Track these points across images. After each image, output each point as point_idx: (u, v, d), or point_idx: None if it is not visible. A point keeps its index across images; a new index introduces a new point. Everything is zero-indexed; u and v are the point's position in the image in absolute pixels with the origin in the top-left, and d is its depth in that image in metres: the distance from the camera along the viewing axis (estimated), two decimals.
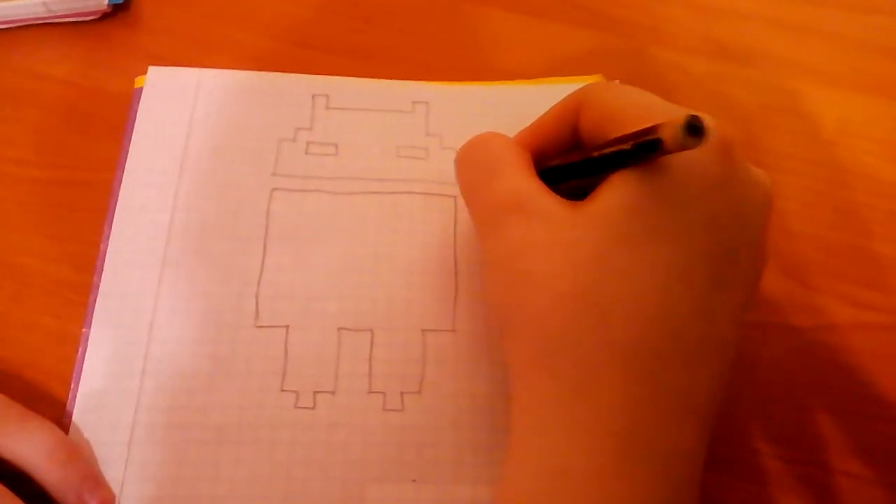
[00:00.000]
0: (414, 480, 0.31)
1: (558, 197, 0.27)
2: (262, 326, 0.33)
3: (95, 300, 0.34)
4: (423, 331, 0.34)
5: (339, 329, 0.33)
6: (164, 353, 0.33)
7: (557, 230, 0.26)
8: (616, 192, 0.25)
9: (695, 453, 0.25)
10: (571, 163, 0.28)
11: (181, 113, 0.38)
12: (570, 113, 0.30)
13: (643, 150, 0.24)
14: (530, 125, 0.32)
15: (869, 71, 0.42)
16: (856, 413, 0.33)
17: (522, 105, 0.39)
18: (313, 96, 0.39)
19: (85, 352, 0.33)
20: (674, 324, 0.25)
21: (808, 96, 0.41)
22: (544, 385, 0.25)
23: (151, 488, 0.30)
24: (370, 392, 0.32)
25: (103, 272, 0.34)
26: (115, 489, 0.30)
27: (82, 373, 0.32)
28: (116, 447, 0.31)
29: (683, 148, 0.22)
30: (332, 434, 0.31)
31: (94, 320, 0.33)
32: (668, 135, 0.22)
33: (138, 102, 0.38)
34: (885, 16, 0.44)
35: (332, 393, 0.32)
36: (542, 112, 0.36)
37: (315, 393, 0.32)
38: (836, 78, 0.42)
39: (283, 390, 0.32)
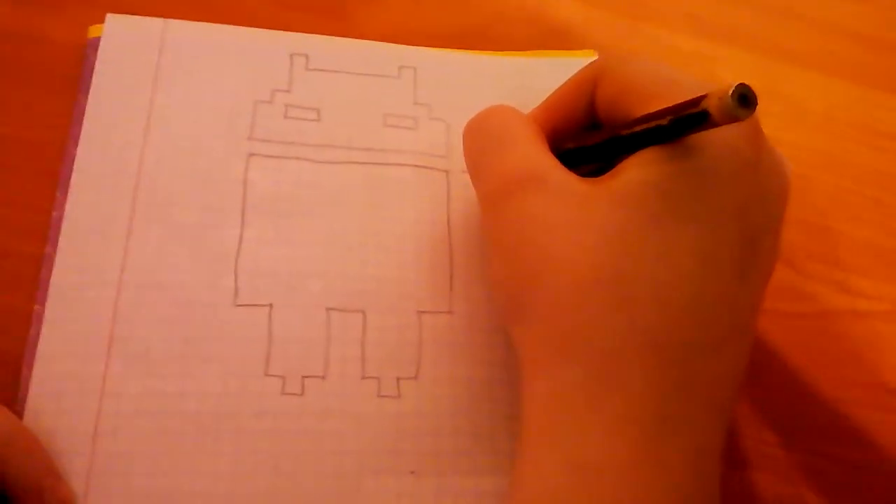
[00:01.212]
0: (413, 472, 0.29)
1: (574, 173, 0.25)
2: (242, 305, 0.30)
3: (50, 273, 0.30)
4: (419, 312, 0.31)
5: (328, 309, 0.31)
6: (132, 333, 0.29)
7: (578, 207, 0.24)
8: (644, 169, 0.24)
9: (717, 444, 0.24)
10: (596, 143, 0.26)
11: (144, 67, 0.34)
12: (586, 88, 0.28)
13: (685, 126, 0.22)
14: (542, 103, 0.30)
15: (846, 57, 0.42)
16: (850, 400, 0.33)
17: (513, 77, 0.37)
18: (291, 55, 0.36)
19: (39, 331, 0.29)
20: (702, 312, 0.23)
21: (791, 80, 0.41)
22: (566, 374, 0.24)
23: (121, 483, 0.27)
24: (364, 377, 0.30)
25: (59, 243, 0.30)
26: (80, 485, 0.27)
27: (36, 355, 0.29)
28: (79, 438, 0.28)
29: (733, 119, 0.20)
30: (323, 423, 0.29)
31: (49, 296, 0.29)
32: (715, 106, 0.21)
33: (94, 54, 0.34)
34: (856, 3, 0.44)
35: (323, 378, 0.30)
36: (534, 86, 0.34)
37: (304, 378, 0.30)
38: (817, 62, 0.42)
39: (267, 375, 0.29)
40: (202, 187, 0.32)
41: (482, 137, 0.28)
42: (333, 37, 0.37)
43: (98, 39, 0.34)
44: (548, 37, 0.40)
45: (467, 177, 0.34)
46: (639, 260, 0.23)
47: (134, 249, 0.31)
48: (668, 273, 0.23)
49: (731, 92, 0.20)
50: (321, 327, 0.30)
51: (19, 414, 0.28)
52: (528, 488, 0.24)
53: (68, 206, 0.31)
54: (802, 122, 0.39)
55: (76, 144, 0.32)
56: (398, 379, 0.30)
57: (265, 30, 0.36)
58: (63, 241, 0.30)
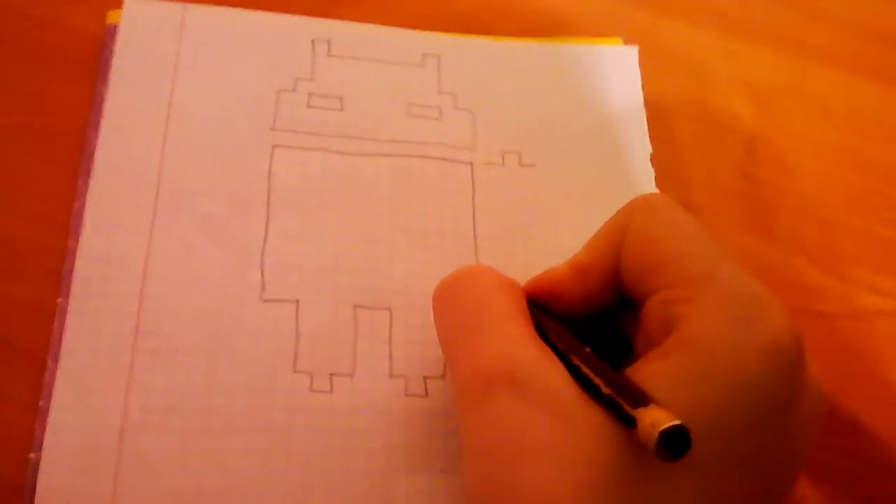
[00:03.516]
0: (443, 471, 0.29)
1: (564, 370, 0.21)
2: (269, 300, 0.30)
3: (73, 266, 0.29)
4: None
5: (355, 306, 0.30)
6: (158, 327, 0.29)
7: (564, 427, 0.20)
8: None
9: None
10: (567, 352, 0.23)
11: (164, 54, 0.33)
12: (616, 239, 0.25)
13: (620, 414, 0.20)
14: (576, 256, 0.27)
15: (871, 55, 0.42)
16: (878, 400, 0.33)
17: (539, 63, 0.37)
18: (313, 41, 0.35)
19: (63, 325, 0.28)
20: None
21: (816, 78, 0.41)
22: None
23: (150, 481, 0.27)
24: (391, 376, 0.30)
25: (81, 234, 0.30)
26: (108, 482, 0.27)
27: (61, 349, 0.28)
28: (106, 434, 0.27)
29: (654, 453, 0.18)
30: (353, 421, 0.29)
31: (72, 289, 0.29)
32: (642, 430, 0.18)
33: (112, 41, 0.33)
34: (881, 1, 0.44)
35: (350, 376, 0.29)
36: (561, 72, 0.34)
37: (332, 375, 0.29)
38: (841, 61, 0.41)
39: (296, 371, 0.29)
40: (226, 178, 0.32)
41: (456, 312, 0.25)
42: (355, 22, 0.36)
43: (116, 25, 0.34)
44: (573, 31, 0.39)
45: (492, 169, 0.34)
46: None
47: (158, 241, 0.30)
48: None
49: (657, 433, 0.18)
50: (348, 325, 0.30)
51: (45, 408, 0.27)
52: None
53: (90, 197, 0.30)
54: (827, 120, 0.39)
55: (96, 133, 0.32)
56: (425, 378, 0.30)
57: (286, 14, 0.35)
58: (85, 233, 0.30)
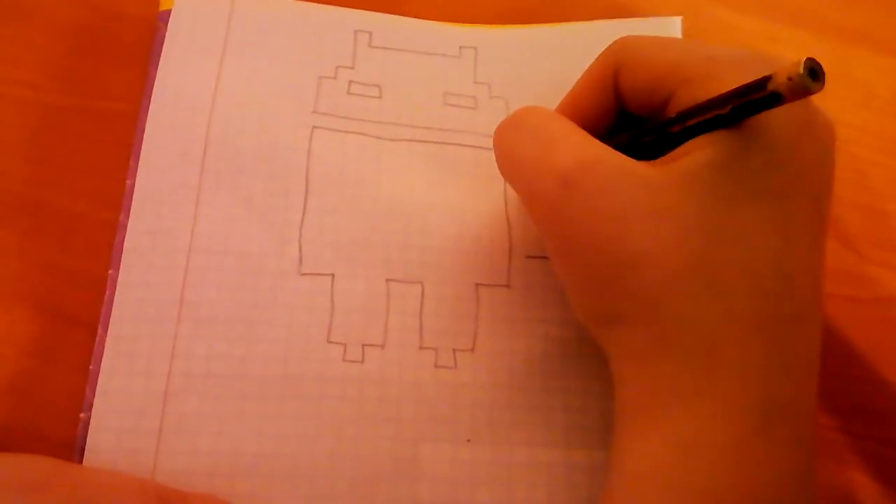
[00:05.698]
0: (468, 441, 0.29)
1: (631, 158, 0.24)
2: (306, 274, 0.31)
3: (123, 240, 0.31)
4: (477, 285, 0.32)
5: (388, 280, 0.31)
6: (202, 297, 0.30)
7: (647, 195, 0.23)
8: (710, 148, 0.23)
9: (813, 413, 0.24)
10: (644, 142, 0.26)
11: (213, 40, 0.35)
12: (607, 76, 0.27)
13: (748, 111, 0.22)
14: (564, 99, 0.30)
15: None
16: None
17: (577, 47, 0.37)
18: (355, 32, 0.36)
19: (113, 295, 0.30)
20: (788, 287, 0.23)
21: (858, 62, 0.40)
22: (667, 364, 0.23)
23: (190, 442, 0.28)
24: (421, 347, 0.31)
25: (131, 209, 0.31)
26: (152, 442, 0.28)
27: (111, 317, 0.30)
28: (152, 397, 0.29)
29: (805, 95, 0.20)
30: (383, 390, 0.30)
31: (122, 261, 0.31)
32: (786, 85, 0.20)
33: (165, 26, 0.35)
34: None
35: (382, 347, 0.30)
36: (594, 52, 0.34)
37: (364, 346, 0.30)
38: (886, 44, 0.41)
39: (329, 342, 0.30)
40: (268, 157, 0.33)
41: (521, 136, 0.27)
42: (396, 15, 0.37)
43: (169, 12, 0.35)
44: (606, 14, 0.39)
45: None
46: (723, 246, 0.23)
47: (203, 217, 0.32)
48: (754, 254, 0.23)
49: (802, 68, 0.20)
50: (381, 297, 0.31)
51: (95, 372, 0.29)
52: (634, 465, 0.24)
53: (139, 175, 0.32)
54: (868, 105, 0.39)
55: (147, 115, 0.33)
56: (454, 350, 0.31)
57: (330, 6, 0.37)
58: (135, 208, 0.32)
